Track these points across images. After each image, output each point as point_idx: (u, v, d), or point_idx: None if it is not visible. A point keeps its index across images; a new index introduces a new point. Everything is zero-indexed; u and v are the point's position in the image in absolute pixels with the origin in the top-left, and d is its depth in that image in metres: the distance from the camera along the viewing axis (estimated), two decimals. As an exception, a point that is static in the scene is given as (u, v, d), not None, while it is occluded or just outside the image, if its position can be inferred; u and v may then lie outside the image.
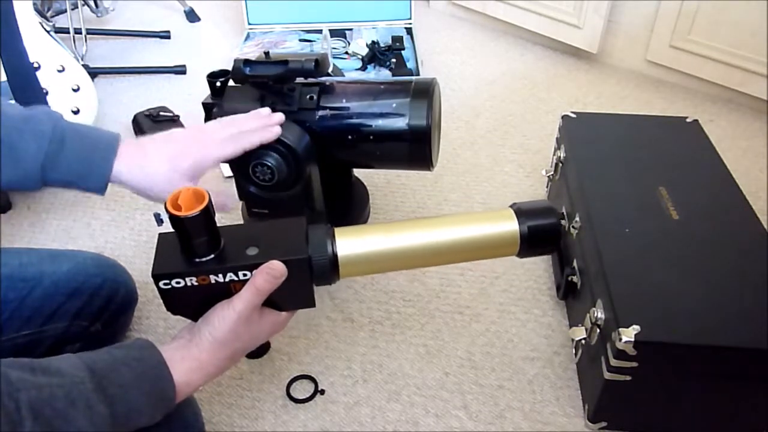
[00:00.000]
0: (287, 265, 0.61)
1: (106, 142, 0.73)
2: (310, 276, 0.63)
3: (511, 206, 0.67)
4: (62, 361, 0.54)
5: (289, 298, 0.65)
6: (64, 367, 0.53)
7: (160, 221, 0.62)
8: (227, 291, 0.62)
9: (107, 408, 0.53)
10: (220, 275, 0.61)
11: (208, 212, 0.59)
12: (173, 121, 1.44)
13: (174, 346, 0.62)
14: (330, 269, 0.63)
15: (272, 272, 0.61)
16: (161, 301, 0.63)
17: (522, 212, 0.66)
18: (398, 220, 0.66)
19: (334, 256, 0.63)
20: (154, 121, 1.44)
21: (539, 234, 0.65)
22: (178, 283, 0.61)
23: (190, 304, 0.63)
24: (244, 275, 0.61)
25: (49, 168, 0.69)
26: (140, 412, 0.56)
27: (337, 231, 0.65)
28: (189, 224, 0.58)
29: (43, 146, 0.68)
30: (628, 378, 0.78)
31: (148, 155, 0.74)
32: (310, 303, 0.66)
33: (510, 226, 0.65)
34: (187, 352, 0.62)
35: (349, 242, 0.64)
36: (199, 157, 0.75)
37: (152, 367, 0.59)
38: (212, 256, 0.61)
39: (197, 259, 0.61)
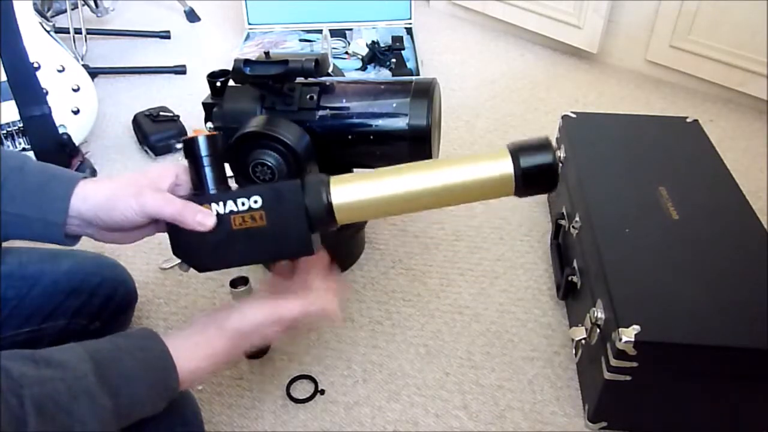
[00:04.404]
0: (282, 197, 0.64)
1: (69, 175, 0.65)
2: (305, 214, 0.65)
3: (507, 145, 0.65)
4: (65, 352, 0.54)
5: (288, 242, 0.66)
6: (67, 358, 0.53)
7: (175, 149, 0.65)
8: (228, 227, 0.64)
9: (110, 400, 0.53)
10: (221, 203, 0.64)
11: (216, 142, 0.65)
12: (173, 121, 1.44)
13: (187, 332, 0.63)
14: (325, 211, 0.64)
15: (329, 303, 0.67)
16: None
17: (516, 150, 0.64)
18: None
19: (329, 203, 0.64)
20: (154, 121, 1.44)
21: (534, 172, 0.63)
22: None
23: (192, 243, 0.65)
24: (243, 203, 0.64)
25: (5, 198, 0.61)
26: (143, 402, 0.57)
27: (332, 178, 0.66)
28: (197, 146, 0.64)
29: (3, 172, 0.62)
30: (628, 378, 0.78)
31: (115, 181, 0.66)
32: (308, 250, 0.67)
33: (504, 164, 0.63)
34: (202, 337, 0.63)
35: (343, 187, 0.65)
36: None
37: (155, 357, 0.59)
38: (216, 189, 0.66)
39: (203, 191, 0.65)
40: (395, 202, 0.65)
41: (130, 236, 0.67)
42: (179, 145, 0.64)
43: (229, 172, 0.73)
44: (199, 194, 0.66)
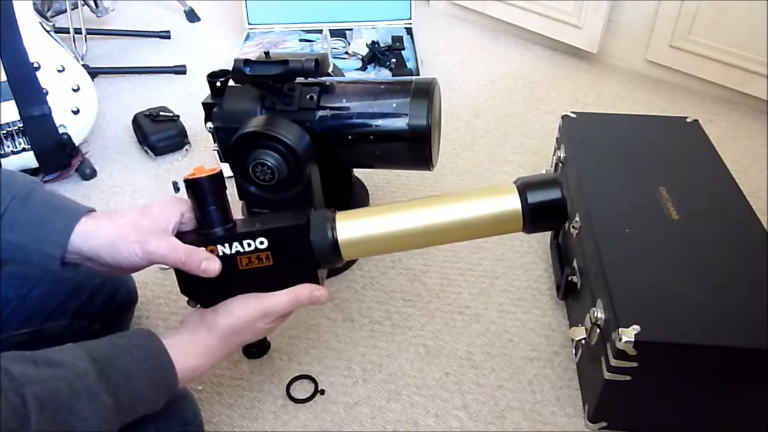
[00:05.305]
0: (288, 237, 0.65)
1: (72, 210, 0.64)
2: (311, 252, 0.65)
3: (515, 181, 0.65)
4: (64, 353, 0.54)
5: (295, 279, 0.67)
6: (67, 358, 0.53)
7: (177, 189, 0.66)
8: (234, 267, 0.65)
9: (111, 397, 0.53)
10: (227, 245, 0.65)
11: (219, 180, 0.65)
12: (173, 121, 1.44)
13: (183, 331, 0.64)
14: (330, 248, 0.65)
15: (316, 290, 0.66)
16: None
17: (524, 187, 0.64)
18: (398, 201, 0.66)
19: (334, 240, 0.65)
20: (154, 121, 1.44)
21: (542, 208, 0.63)
22: None
23: (201, 283, 0.65)
24: (249, 245, 0.65)
25: (6, 226, 0.60)
26: (144, 399, 0.57)
27: (338, 214, 0.67)
28: (201, 186, 0.64)
29: (6, 199, 0.61)
30: (628, 378, 0.78)
31: (118, 222, 0.65)
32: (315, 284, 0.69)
33: (511, 202, 0.63)
34: (196, 337, 0.64)
35: (349, 224, 0.65)
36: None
37: (154, 355, 0.60)
38: (222, 228, 0.66)
39: (209, 230, 0.65)
40: (401, 239, 0.65)
41: (131, 271, 0.68)
42: (180, 185, 0.64)
43: (228, 172, 0.73)
44: (204, 233, 0.66)
